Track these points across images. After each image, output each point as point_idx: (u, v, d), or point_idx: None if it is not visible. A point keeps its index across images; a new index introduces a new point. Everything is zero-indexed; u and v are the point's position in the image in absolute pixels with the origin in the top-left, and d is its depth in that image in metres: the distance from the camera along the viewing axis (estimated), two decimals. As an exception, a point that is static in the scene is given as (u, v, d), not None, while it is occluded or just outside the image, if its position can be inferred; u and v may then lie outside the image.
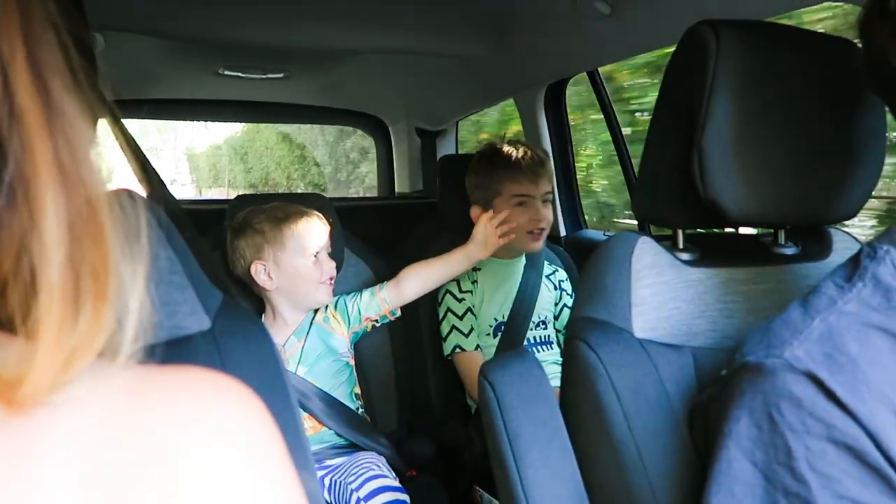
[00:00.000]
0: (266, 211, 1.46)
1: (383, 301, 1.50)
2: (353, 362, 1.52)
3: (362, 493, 1.27)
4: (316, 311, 1.50)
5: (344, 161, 8.68)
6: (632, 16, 1.44)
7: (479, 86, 2.29)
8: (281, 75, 2.22)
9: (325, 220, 1.50)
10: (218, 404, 0.33)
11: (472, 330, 1.60)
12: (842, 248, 0.88)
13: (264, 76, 2.21)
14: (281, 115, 3.11)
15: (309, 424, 1.41)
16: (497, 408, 0.74)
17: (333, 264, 1.49)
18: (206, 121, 7.13)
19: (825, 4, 1.20)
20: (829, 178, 0.77)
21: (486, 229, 1.48)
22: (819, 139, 0.76)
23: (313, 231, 1.46)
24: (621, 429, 0.69)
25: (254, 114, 3.10)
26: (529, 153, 1.59)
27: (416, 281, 1.50)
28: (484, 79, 2.17)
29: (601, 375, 0.70)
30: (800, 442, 0.51)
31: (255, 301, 1.52)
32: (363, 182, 8.12)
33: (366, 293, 1.51)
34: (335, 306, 1.51)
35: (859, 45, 0.83)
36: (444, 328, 1.62)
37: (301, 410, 1.38)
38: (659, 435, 0.69)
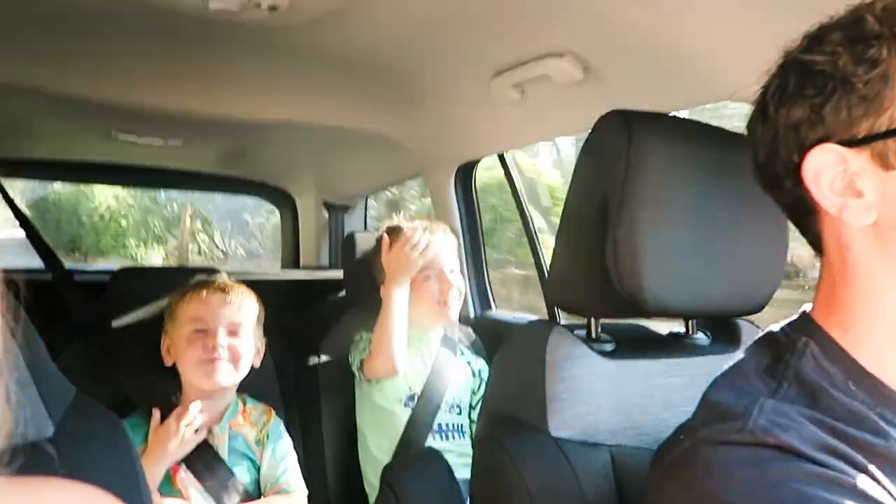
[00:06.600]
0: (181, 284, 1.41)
1: None
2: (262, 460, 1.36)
3: None
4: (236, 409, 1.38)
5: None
6: (541, 104, 1.47)
7: (391, 163, 2.26)
8: (180, 142, 2.11)
9: (231, 293, 1.38)
10: None
11: None
12: (749, 340, 0.88)
13: (162, 143, 2.09)
14: (179, 182, 2.96)
15: None
16: (400, 519, 0.65)
17: (226, 343, 1.33)
18: (97, 183, 6.75)
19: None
20: (738, 271, 0.76)
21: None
22: (727, 233, 0.76)
23: (201, 307, 1.35)
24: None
25: (150, 179, 2.93)
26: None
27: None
28: (395, 156, 2.14)
29: (514, 479, 0.63)
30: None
31: None
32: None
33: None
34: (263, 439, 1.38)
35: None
36: (356, 354, 1.56)
37: None
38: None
